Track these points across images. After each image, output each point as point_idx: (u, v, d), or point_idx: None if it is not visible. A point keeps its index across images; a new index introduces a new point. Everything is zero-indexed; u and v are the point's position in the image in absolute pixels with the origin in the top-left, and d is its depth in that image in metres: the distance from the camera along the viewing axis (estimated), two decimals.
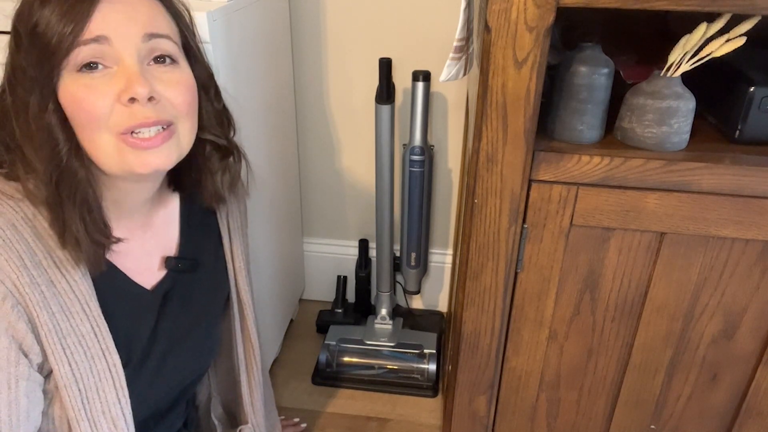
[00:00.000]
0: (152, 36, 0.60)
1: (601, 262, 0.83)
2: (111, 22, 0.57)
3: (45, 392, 0.63)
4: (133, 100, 0.58)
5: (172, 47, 0.62)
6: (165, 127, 0.62)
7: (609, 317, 0.87)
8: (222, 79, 0.72)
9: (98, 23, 0.57)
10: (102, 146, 0.60)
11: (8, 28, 0.60)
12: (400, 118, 1.35)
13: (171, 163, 0.64)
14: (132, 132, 0.60)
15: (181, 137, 0.64)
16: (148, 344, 0.72)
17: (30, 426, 0.61)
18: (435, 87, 1.31)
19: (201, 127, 0.69)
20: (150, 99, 0.59)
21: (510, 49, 0.69)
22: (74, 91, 0.57)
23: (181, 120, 0.64)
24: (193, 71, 0.66)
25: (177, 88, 0.62)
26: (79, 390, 0.63)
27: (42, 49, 0.56)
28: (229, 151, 0.75)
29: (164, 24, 0.62)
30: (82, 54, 0.57)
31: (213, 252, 0.82)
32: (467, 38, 0.89)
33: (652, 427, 0.96)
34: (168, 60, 0.62)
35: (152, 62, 0.61)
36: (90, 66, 0.58)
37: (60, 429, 0.65)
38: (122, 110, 0.59)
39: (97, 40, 0.57)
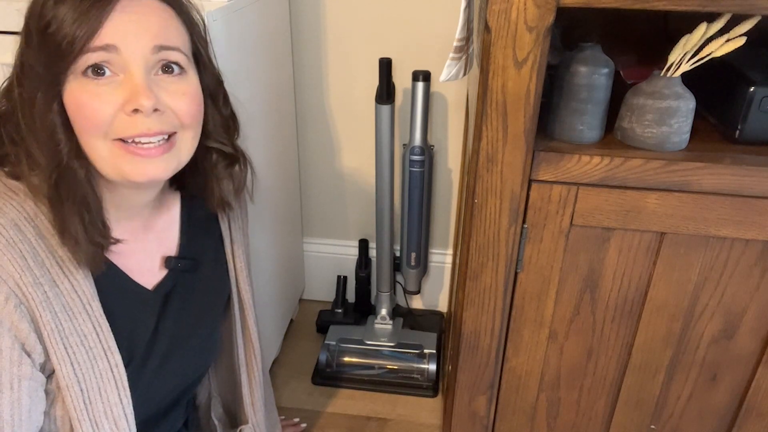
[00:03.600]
0: (162, 48, 0.60)
1: (601, 262, 0.83)
2: (122, 31, 0.57)
3: (47, 392, 0.63)
4: (136, 110, 0.58)
5: (181, 58, 0.62)
6: (167, 137, 0.62)
7: (609, 317, 0.87)
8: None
9: (109, 31, 0.56)
10: (99, 151, 0.60)
11: (9, 28, 0.60)
12: (400, 118, 1.35)
13: (168, 174, 0.64)
14: (133, 140, 0.60)
15: (182, 148, 0.64)
16: (149, 344, 0.72)
17: (32, 426, 0.61)
18: (435, 87, 1.31)
19: (207, 135, 0.69)
20: (154, 110, 0.59)
21: (510, 49, 0.69)
22: (79, 96, 0.58)
23: (184, 130, 0.64)
24: (201, 79, 0.66)
25: (182, 99, 0.62)
26: (81, 390, 0.63)
27: (52, 51, 0.56)
28: (236, 159, 0.75)
29: (176, 34, 0.62)
30: (90, 59, 0.57)
31: (214, 252, 0.82)
32: (467, 38, 0.89)
33: (652, 427, 0.96)
34: (176, 69, 0.62)
35: (160, 71, 0.61)
36: (96, 71, 0.57)
37: (62, 429, 0.65)
38: (125, 119, 0.59)
39: (105, 48, 0.57)
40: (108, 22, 0.56)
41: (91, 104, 0.58)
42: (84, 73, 0.57)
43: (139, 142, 0.60)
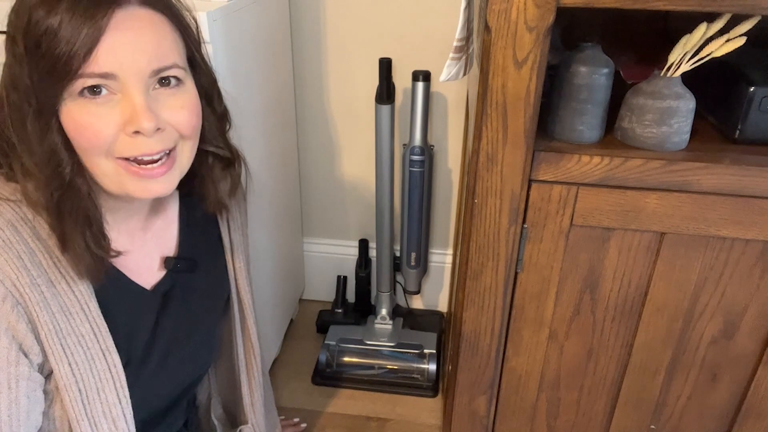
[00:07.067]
0: (160, 70, 0.59)
1: (601, 262, 0.83)
2: (118, 57, 0.56)
3: (45, 392, 0.63)
4: (138, 132, 0.58)
5: (178, 72, 0.61)
6: (168, 153, 0.62)
7: (609, 317, 0.87)
8: (221, 79, 0.72)
9: (105, 56, 0.55)
10: (102, 168, 0.60)
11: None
12: (400, 118, 1.35)
13: (172, 189, 0.64)
14: (135, 159, 0.60)
15: (182, 160, 0.64)
16: (148, 344, 0.72)
17: (30, 426, 0.61)
18: (435, 87, 1.31)
19: (204, 139, 0.69)
20: (156, 130, 0.59)
21: (510, 49, 0.69)
22: (77, 116, 0.57)
23: (184, 142, 0.64)
24: (197, 81, 0.65)
25: (181, 112, 0.62)
26: (80, 390, 0.63)
27: (45, 71, 0.55)
28: (232, 161, 0.75)
29: (172, 48, 0.61)
30: (86, 83, 0.56)
31: (213, 252, 0.82)
32: (467, 38, 0.89)
33: (652, 427, 0.96)
34: (173, 82, 0.61)
35: (157, 85, 0.60)
36: (93, 90, 0.56)
37: (61, 429, 0.65)
38: (126, 140, 0.58)
39: (104, 76, 0.56)
40: (103, 42, 0.54)
41: (92, 126, 0.57)
42: (80, 93, 0.56)
43: (142, 161, 0.60)
